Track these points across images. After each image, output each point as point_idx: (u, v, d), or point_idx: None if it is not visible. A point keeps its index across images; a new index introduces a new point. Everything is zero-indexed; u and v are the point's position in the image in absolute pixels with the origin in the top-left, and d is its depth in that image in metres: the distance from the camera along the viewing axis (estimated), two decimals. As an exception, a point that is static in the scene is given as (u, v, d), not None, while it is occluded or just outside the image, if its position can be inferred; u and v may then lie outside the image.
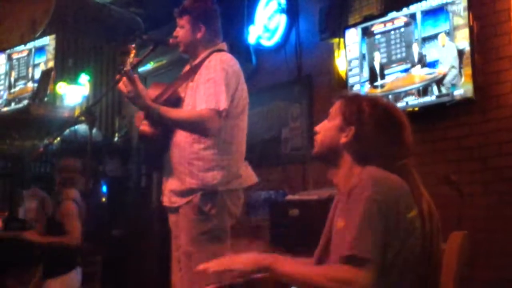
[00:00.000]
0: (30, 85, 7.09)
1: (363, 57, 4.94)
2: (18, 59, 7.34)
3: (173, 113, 2.97)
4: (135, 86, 2.83)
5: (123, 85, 2.86)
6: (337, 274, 1.65)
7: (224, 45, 3.23)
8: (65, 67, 7.63)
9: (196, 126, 2.93)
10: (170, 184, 3.07)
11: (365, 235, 1.64)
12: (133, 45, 2.88)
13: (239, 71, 3.11)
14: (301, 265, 1.79)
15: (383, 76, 4.76)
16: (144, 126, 3.03)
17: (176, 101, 3.08)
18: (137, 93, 2.85)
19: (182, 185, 3.00)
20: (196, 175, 2.97)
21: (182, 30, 3.16)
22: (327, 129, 1.96)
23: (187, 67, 3.28)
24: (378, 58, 4.82)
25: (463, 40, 4.19)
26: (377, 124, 1.87)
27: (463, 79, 4.17)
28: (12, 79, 7.33)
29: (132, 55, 2.85)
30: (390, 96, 4.66)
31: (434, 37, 4.40)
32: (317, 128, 2.00)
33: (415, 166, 1.89)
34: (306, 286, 1.76)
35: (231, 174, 3.03)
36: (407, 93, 4.55)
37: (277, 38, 5.97)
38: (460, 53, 4.19)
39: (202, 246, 2.89)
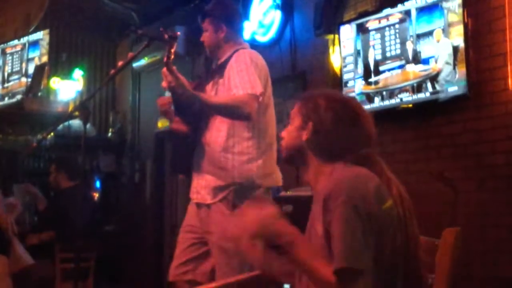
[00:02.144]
0: (24, 80, 7.06)
1: (357, 53, 4.93)
2: (12, 54, 7.30)
3: (214, 99, 3.04)
4: (176, 76, 2.84)
5: (163, 77, 2.89)
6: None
7: (247, 45, 3.31)
8: (59, 62, 7.61)
9: (236, 110, 2.95)
10: (202, 181, 3.11)
11: (351, 244, 1.64)
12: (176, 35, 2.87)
13: (266, 67, 3.20)
14: (314, 255, 1.75)
15: (377, 73, 4.76)
16: (176, 124, 3.09)
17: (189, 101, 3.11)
18: (180, 83, 2.86)
19: (216, 182, 3.04)
20: (231, 171, 3.02)
21: (206, 34, 3.24)
22: (289, 132, 1.99)
23: (212, 67, 3.38)
24: (373, 55, 4.81)
25: (457, 37, 4.19)
26: (334, 115, 1.88)
27: (457, 76, 4.17)
28: (6, 74, 7.29)
29: (174, 46, 2.84)
30: (384, 93, 4.66)
31: (428, 33, 4.40)
32: (282, 134, 2.03)
33: (379, 154, 1.90)
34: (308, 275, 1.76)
35: (266, 170, 3.09)
36: (401, 90, 4.55)
37: (271, 34, 5.96)
38: (455, 50, 4.19)
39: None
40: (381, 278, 1.68)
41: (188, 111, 3.06)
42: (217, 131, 3.07)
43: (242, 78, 2.99)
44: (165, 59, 2.82)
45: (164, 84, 2.93)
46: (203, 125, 3.12)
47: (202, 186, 3.12)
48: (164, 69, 2.86)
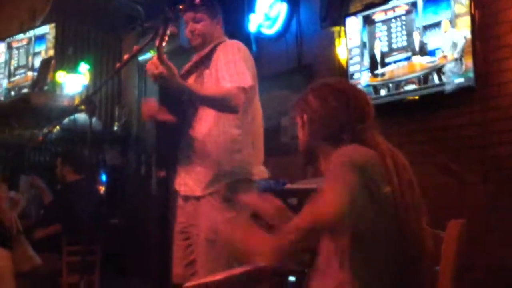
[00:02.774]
0: (30, 74, 7.06)
1: (363, 45, 4.92)
2: (18, 48, 7.31)
3: (203, 90, 2.96)
4: (168, 66, 2.78)
5: (153, 66, 2.78)
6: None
7: (226, 37, 3.28)
8: (65, 56, 7.60)
9: (223, 103, 2.91)
10: (191, 173, 3.08)
11: (335, 187, 1.71)
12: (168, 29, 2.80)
13: (251, 56, 3.16)
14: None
15: (383, 65, 4.74)
16: (163, 114, 3.00)
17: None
18: (171, 73, 2.78)
19: (206, 173, 3.01)
20: (221, 162, 3.00)
21: (200, 24, 3.17)
22: (299, 134, 2.09)
23: (192, 59, 3.30)
24: (379, 47, 4.79)
25: (464, 28, 4.17)
26: (321, 101, 1.99)
27: (463, 67, 4.15)
28: (12, 68, 7.30)
29: (168, 29, 2.78)
30: (390, 85, 4.64)
31: (435, 25, 4.38)
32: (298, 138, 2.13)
33: (376, 127, 1.98)
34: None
35: (254, 160, 3.12)
36: (407, 82, 4.53)
37: (277, 26, 5.95)
38: (461, 41, 4.17)
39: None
40: (372, 239, 1.76)
41: (175, 100, 2.99)
42: (206, 122, 3.03)
43: (229, 69, 2.96)
44: (157, 42, 2.73)
45: (153, 73, 2.79)
46: (190, 115, 3.07)
47: (190, 178, 3.08)
48: (155, 58, 2.77)
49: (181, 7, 3.17)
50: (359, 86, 4.76)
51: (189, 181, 3.09)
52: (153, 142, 7.47)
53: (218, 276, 2.12)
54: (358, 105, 1.97)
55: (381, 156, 1.83)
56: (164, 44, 2.76)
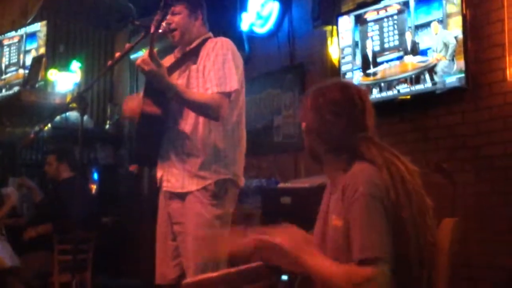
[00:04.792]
0: (22, 71, 7.02)
1: (356, 44, 4.92)
2: (9, 45, 7.28)
3: (188, 94, 2.91)
4: (159, 63, 2.77)
5: (143, 63, 2.74)
6: (357, 278, 1.70)
7: (211, 34, 3.24)
8: (56, 54, 7.59)
9: (206, 111, 2.90)
10: (174, 168, 3.03)
11: (370, 233, 1.71)
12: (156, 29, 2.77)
13: (240, 56, 3.14)
14: (326, 261, 1.80)
15: (375, 64, 4.75)
16: (147, 106, 2.95)
17: None
18: (162, 71, 2.77)
19: (191, 169, 2.97)
20: (209, 160, 2.96)
21: (177, 17, 3.10)
22: (303, 135, 2.08)
23: (175, 54, 3.26)
24: (371, 46, 4.80)
25: (456, 27, 4.18)
26: (317, 112, 1.97)
27: (455, 67, 4.16)
28: (3, 66, 7.27)
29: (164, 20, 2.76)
30: (382, 84, 4.65)
31: (427, 25, 4.38)
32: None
33: (376, 135, 1.97)
34: (322, 281, 1.81)
35: (242, 160, 3.10)
36: (399, 81, 4.54)
37: (270, 25, 5.95)
38: (453, 41, 4.18)
39: (214, 230, 2.90)
40: (404, 266, 1.74)
41: (160, 94, 2.92)
42: (191, 118, 2.99)
43: (217, 72, 2.94)
44: (152, 29, 2.72)
45: (143, 69, 2.75)
46: (175, 110, 3.01)
47: (173, 174, 3.04)
48: (146, 54, 2.74)
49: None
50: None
51: (171, 177, 3.05)
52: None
53: (214, 274, 2.11)
54: (353, 116, 1.94)
55: (378, 170, 1.82)
56: (154, 39, 2.76)
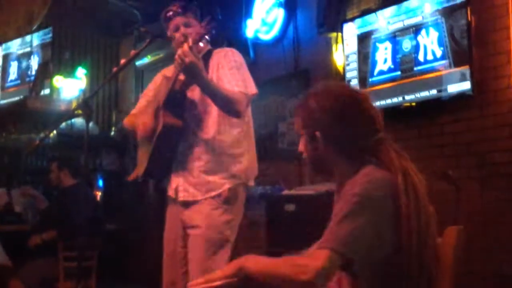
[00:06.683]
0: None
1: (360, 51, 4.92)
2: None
3: (217, 86, 2.91)
4: (198, 56, 2.76)
5: (183, 54, 2.71)
6: (297, 260, 1.69)
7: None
8: (62, 60, 7.61)
9: (230, 105, 2.89)
10: (190, 177, 3.01)
11: (341, 228, 1.67)
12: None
13: None
14: (270, 259, 1.78)
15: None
16: (168, 118, 2.94)
17: (182, 96, 3.04)
18: (201, 64, 2.76)
19: (208, 177, 2.97)
20: (226, 168, 2.97)
21: (191, 28, 3.07)
22: (304, 147, 2.00)
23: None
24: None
25: (461, 35, 4.17)
26: (334, 116, 1.88)
27: (460, 74, 4.15)
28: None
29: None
30: (387, 91, 4.64)
31: (432, 31, 4.38)
32: (299, 148, 2.03)
33: (389, 139, 1.92)
34: (274, 280, 1.74)
35: (254, 168, 3.10)
36: (404, 88, 4.53)
37: (275, 32, 5.96)
38: (459, 48, 4.18)
39: (222, 233, 2.93)
40: (405, 274, 1.71)
41: (180, 103, 2.95)
42: (208, 126, 2.99)
43: (233, 76, 2.95)
44: (196, 31, 2.77)
45: (183, 60, 2.71)
46: (191, 118, 3.01)
47: (190, 183, 3.02)
48: (186, 47, 2.72)
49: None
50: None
51: (189, 187, 3.02)
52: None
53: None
54: (369, 116, 1.90)
55: (393, 175, 1.78)
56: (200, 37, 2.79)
